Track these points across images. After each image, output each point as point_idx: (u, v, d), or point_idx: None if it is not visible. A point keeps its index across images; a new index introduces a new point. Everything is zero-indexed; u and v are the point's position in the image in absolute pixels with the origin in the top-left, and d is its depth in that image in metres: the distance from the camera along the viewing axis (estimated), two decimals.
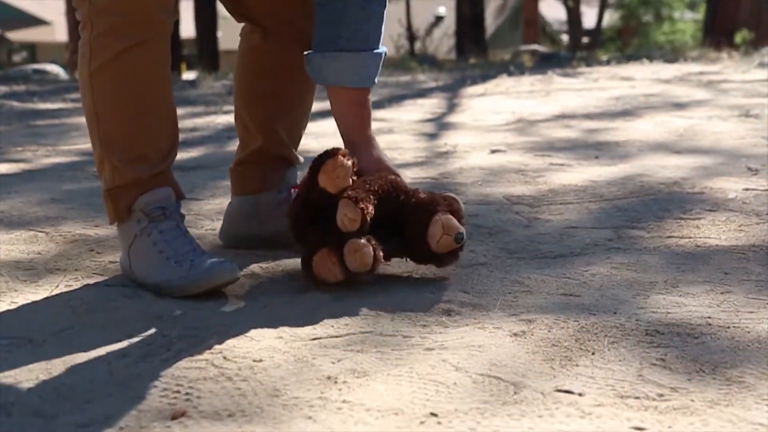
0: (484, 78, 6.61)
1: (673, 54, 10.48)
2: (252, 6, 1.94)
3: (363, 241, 1.66)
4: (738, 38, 15.16)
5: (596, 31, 25.79)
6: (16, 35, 37.26)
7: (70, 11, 20.95)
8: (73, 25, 21.21)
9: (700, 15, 23.01)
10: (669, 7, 24.92)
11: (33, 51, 40.25)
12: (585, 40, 29.34)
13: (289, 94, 1.99)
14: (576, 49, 16.20)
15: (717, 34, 13.73)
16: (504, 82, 6.18)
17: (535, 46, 14.21)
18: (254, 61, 1.99)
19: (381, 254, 1.68)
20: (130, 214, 1.76)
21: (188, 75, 10.24)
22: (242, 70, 2.01)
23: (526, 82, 6.18)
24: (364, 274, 1.68)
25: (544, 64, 8.86)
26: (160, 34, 1.74)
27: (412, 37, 20.41)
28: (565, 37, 28.94)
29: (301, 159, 2.07)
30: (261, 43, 1.96)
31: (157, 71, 1.77)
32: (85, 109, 1.79)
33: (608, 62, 8.25)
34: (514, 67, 7.08)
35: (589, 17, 28.45)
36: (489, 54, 15.99)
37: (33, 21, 37.74)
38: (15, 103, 5.32)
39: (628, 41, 25.41)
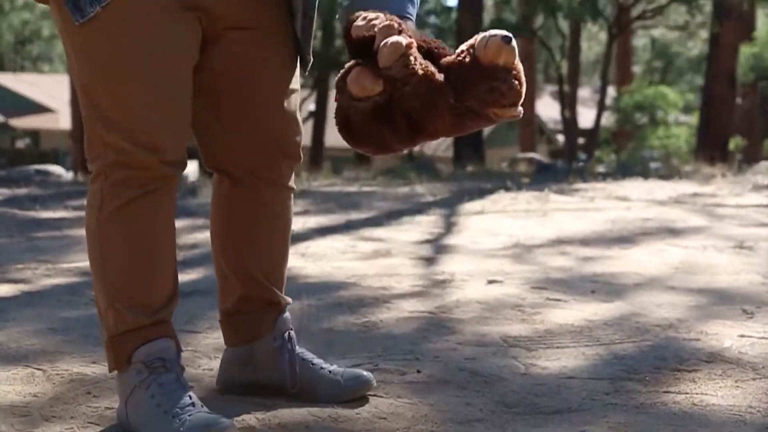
0: (482, 193, 6.69)
1: (668, 168, 10.65)
2: (221, 157, 1.95)
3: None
4: (732, 144, 15.44)
5: (594, 134, 26.15)
6: (21, 122, 37.75)
7: (75, 100, 21.21)
8: (77, 114, 21.47)
9: (694, 120, 23.43)
10: (664, 112, 25.32)
11: (37, 138, 40.75)
12: (581, 140, 29.80)
13: (265, 236, 2.00)
14: (572, 154, 16.40)
15: (711, 144, 13.99)
16: (501, 199, 6.25)
17: (532, 155, 14.48)
18: (226, 208, 1.99)
19: (413, 42, 1.65)
20: (131, 364, 1.77)
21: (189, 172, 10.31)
22: (215, 217, 2.02)
23: (523, 199, 6.25)
24: (397, 65, 1.63)
25: (542, 177, 8.99)
26: (171, 184, 1.80)
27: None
28: (561, 137, 29.42)
29: (289, 300, 2.07)
30: (231, 191, 1.97)
31: (165, 220, 1.81)
32: (90, 254, 1.82)
33: (604, 177, 8.37)
34: (511, 182, 7.17)
35: (584, 117, 28.92)
36: (486, 155, 16.23)
37: (38, 108, 38.28)
38: (17, 211, 5.37)
39: (624, 145, 25.76)
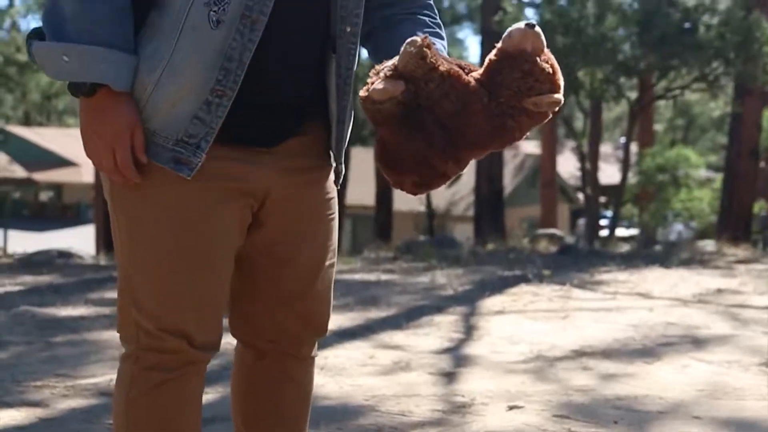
0: (503, 286, 6.65)
1: (690, 250, 10.57)
2: (248, 328, 1.91)
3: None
4: (755, 208, 15.33)
5: (618, 193, 25.98)
6: (45, 175, 38.28)
7: None
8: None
9: (717, 182, 23.36)
10: (686, 174, 25.14)
11: (59, 191, 41.26)
12: (602, 199, 29.68)
13: (290, 410, 1.96)
14: (594, 235, 16.32)
15: (734, 223, 13.90)
16: (522, 296, 6.21)
17: (553, 230, 14.47)
18: (250, 381, 1.94)
19: (432, 42, 1.59)
20: None
21: None
22: (238, 391, 1.97)
23: (545, 295, 6.21)
24: (414, 60, 1.56)
25: (563, 259, 8.95)
26: (201, 370, 1.79)
27: (431, 214, 20.74)
28: (582, 194, 29.34)
29: None
30: (255, 363, 1.93)
31: (193, 402, 1.80)
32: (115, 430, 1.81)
33: (624, 264, 8.31)
34: (532, 273, 7.13)
35: (605, 173, 28.86)
36: (507, 215, 16.19)
37: (61, 162, 38.79)
38: (37, 310, 5.38)
39: (645, 206, 25.66)
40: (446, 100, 1.60)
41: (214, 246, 1.72)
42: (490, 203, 15.09)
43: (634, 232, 26.57)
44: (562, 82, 1.64)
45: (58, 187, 41.47)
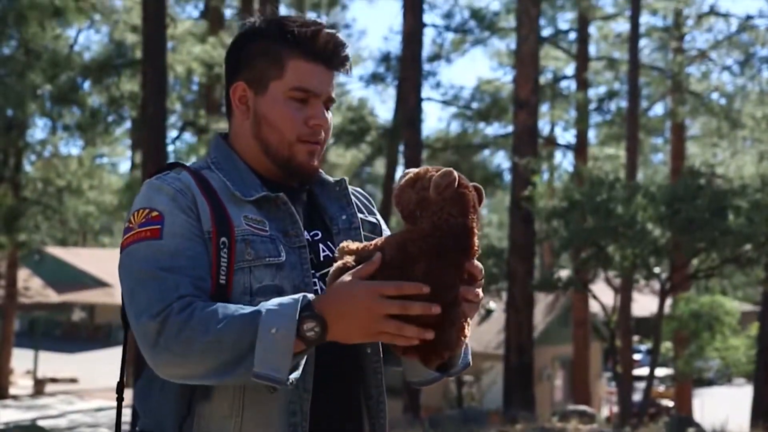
0: None
1: None
2: None
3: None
4: None
5: (657, 328, 25.73)
6: (77, 296, 38.63)
7: None
8: None
9: (753, 329, 23.12)
10: (720, 322, 24.94)
11: (92, 312, 41.55)
12: (636, 338, 29.26)
13: None
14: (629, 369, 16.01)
15: None
16: None
17: (583, 407, 14.28)
18: None
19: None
20: None
21: None
22: None
23: None
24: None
25: None
26: None
27: (460, 381, 20.63)
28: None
29: None
30: None
31: None
32: None
33: None
34: None
35: (639, 303, 28.60)
36: (538, 354, 15.98)
37: (94, 282, 39.23)
38: None
39: (680, 352, 25.36)
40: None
41: None
42: (519, 376, 15.00)
43: (670, 371, 26.21)
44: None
45: (90, 308, 41.90)
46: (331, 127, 1.89)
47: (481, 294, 1.67)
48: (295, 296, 1.65)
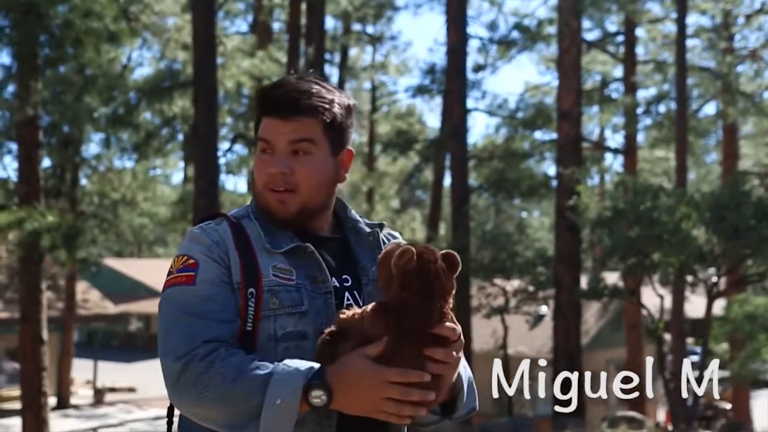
0: None
1: None
2: None
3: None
4: None
5: (705, 331, 25.42)
6: (134, 307, 39.23)
7: None
8: None
9: None
10: None
11: (147, 322, 42.20)
12: (691, 340, 28.85)
13: None
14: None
15: None
16: None
17: (633, 413, 14.31)
18: None
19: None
20: None
21: None
22: None
23: None
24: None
25: None
26: None
27: (510, 397, 20.56)
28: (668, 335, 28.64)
29: None
30: None
31: None
32: None
33: None
34: None
35: (694, 305, 28.22)
36: (590, 359, 15.83)
37: (150, 293, 39.78)
38: None
39: (735, 354, 25.03)
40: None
41: None
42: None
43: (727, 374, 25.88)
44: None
45: (146, 318, 42.60)
46: (308, 172, 1.96)
47: (455, 354, 1.81)
48: (308, 365, 1.79)
